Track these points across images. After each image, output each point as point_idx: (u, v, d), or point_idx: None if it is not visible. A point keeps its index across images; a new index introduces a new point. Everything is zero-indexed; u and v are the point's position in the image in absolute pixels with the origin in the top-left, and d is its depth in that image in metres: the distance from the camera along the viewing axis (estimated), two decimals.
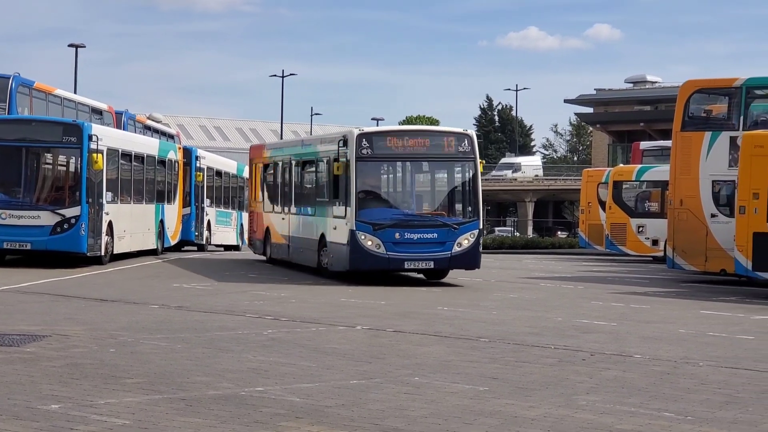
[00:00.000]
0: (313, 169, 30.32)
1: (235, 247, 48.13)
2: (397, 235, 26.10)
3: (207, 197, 43.34)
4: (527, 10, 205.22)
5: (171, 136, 46.20)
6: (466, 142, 26.86)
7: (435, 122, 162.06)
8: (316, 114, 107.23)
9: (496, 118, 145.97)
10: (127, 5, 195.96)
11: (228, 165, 48.77)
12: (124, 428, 9.11)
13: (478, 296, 23.97)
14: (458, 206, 27.14)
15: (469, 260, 26.84)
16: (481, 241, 26.88)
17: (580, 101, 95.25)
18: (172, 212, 39.25)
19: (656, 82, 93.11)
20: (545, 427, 9.58)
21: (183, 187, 40.90)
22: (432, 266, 26.52)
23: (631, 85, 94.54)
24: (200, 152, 43.60)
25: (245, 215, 50.09)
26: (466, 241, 26.56)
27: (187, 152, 42.23)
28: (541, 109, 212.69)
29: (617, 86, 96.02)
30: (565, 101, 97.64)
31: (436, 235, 26.39)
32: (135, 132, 39.62)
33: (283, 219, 32.60)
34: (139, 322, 17.21)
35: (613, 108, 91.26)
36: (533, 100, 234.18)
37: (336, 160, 26.71)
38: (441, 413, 10.08)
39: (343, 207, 26.48)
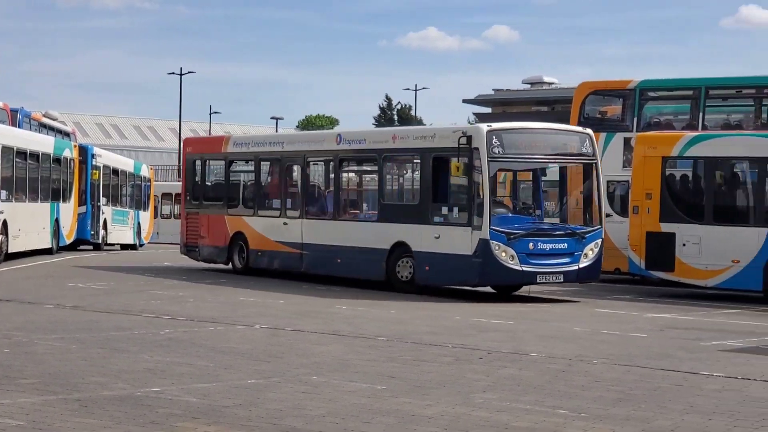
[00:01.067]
0: (374, 168, 26.13)
1: (132, 246, 47.69)
2: (531, 246, 23.11)
3: (103, 196, 42.84)
4: (427, 10, 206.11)
5: (67, 134, 45.60)
6: (587, 141, 24.41)
7: (334, 122, 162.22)
8: (215, 113, 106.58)
9: (396, 117, 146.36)
10: (24, 3, 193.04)
11: (125, 163, 48.29)
12: (18, 429, 8.98)
13: (378, 296, 23.93)
14: (583, 212, 24.72)
15: (593, 273, 24.21)
16: (602, 252, 24.36)
17: (478, 101, 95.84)
18: (68, 211, 38.76)
19: (553, 83, 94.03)
20: (442, 426, 9.63)
21: (79, 186, 40.38)
22: (561, 280, 23.70)
23: (529, 85, 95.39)
24: (96, 150, 43.13)
25: (143, 214, 49.71)
26: (591, 251, 23.96)
27: (83, 150, 41.72)
28: (441, 108, 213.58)
29: (515, 87, 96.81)
30: (464, 101, 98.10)
31: (566, 245, 23.67)
32: (30, 130, 39.04)
33: (285, 224, 28.06)
34: (33, 321, 16.97)
35: (511, 108, 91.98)
36: (432, 99, 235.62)
37: (442, 159, 23.54)
38: (339, 412, 10.08)
39: (464, 213, 23.09)
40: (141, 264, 33.55)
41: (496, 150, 22.71)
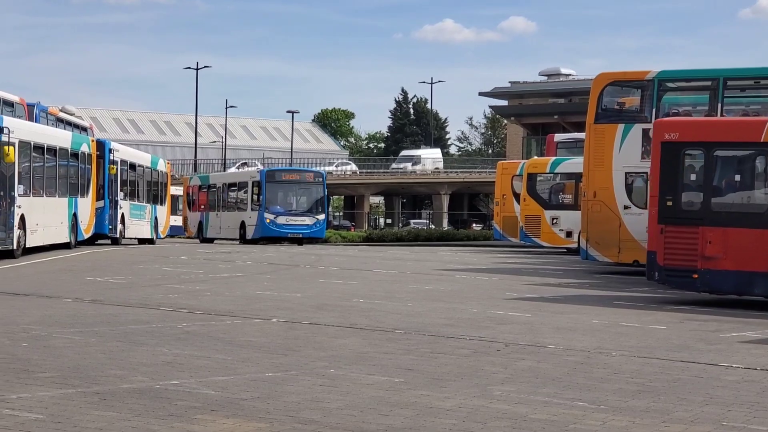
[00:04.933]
0: None
1: (150, 241, 47.85)
2: None
3: (121, 190, 42.93)
4: (443, 2, 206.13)
5: (84, 129, 45.74)
6: None
7: (350, 115, 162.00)
8: (231, 107, 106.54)
9: (411, 110, 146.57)
10: None
11: (142, 158, 48.41)
12: (37, 423, 8.99)
13: (394, 288, 23.95)
14: None
15: None
16: None
17: (494, 94, 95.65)
18: (86, 205, 38.88)
19: (570, 75, 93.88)
20: (460, 418, 9.62)
21: (96, 180, 40.47)
22: None
23: (546, 77, 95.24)
24: (114, 145, 43.22)
25: (160, 209, 49.80)
26: None
27: (101, 145, 41.84)
28: (456, 101, 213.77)
29: (531, 79, 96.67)
30: (480, 94, 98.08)
31: None
32: (48, 125, 39.14)
33: None
34: (52, 315, 16.98)
35: (527, 101, 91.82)
36: (448, 92, 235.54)
37: None
38: (357, 405, 10.08)
39: None
40: (157, 257, 33.53)
41: None
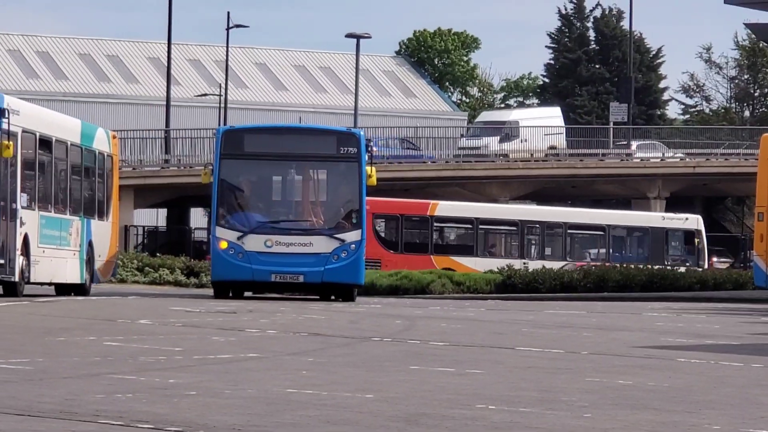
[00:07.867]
0: None
1: (79, 288, 44.07)
2: None
3: (23, 190, 39.09)
4: None
5: None
6: None
7: (470, 43, 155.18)
8: (237, 26, 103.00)
9: (591, 33, 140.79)
10: None
11: (65, 127, 44.35)
12: None
13: (556, 383, 21.47)
14: None
15: None
16: None
17: (756, 1, 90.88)
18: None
19: None
20: None
21: None
22: None
23: None
24: (11, 101, 39.31)
25: (99, 226, 44.95)
26: None
27: None
28: (679, 17, 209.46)
29: None
30: (726, 1, 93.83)
31: None
32: None
33: None
34: None
35: None
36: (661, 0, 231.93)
37: None
38: None
39: None
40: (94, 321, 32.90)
41: None
